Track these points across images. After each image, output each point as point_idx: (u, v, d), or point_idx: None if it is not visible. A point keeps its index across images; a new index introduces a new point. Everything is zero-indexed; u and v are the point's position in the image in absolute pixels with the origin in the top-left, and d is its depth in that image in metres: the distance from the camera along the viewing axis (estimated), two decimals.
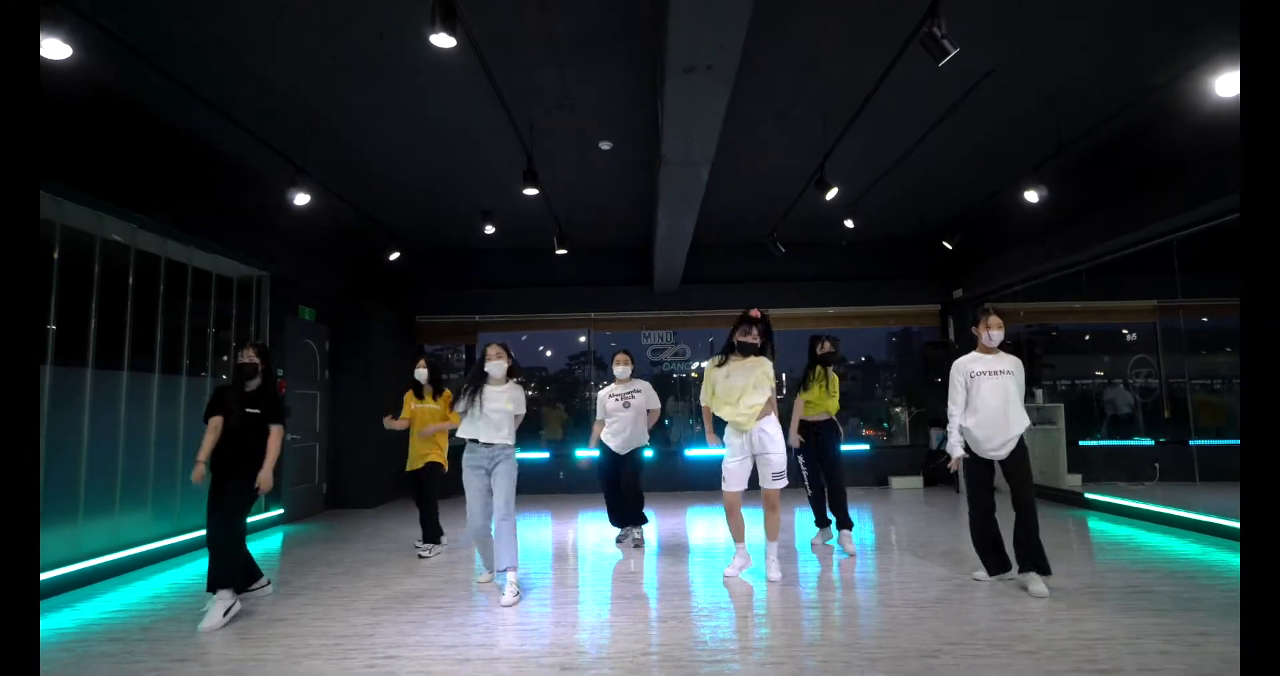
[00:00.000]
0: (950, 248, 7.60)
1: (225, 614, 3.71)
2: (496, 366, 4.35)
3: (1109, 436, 9.24)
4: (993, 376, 4.15)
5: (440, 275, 9.75)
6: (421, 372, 5.49)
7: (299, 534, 6.55)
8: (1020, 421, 4.12)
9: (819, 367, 5.41)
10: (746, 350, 4.48)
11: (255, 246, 6.55)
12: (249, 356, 4.15)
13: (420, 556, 5.29)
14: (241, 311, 6.82)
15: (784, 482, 4.42)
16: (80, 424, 4.81)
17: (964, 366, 4.28)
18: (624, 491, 5.55)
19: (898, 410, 11.02)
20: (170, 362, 5.76)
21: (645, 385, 5.60)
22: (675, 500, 8.34)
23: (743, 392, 4.41)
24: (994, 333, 4.18)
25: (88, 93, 4.66)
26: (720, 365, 4.57)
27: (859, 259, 9.65)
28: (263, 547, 5.90)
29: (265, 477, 3.96)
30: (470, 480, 4.29)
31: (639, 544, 5.60)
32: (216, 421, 4.03)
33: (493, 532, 4.22)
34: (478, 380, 4.35)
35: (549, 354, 14.01)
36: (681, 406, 10.62)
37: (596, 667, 3.00)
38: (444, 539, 5.53)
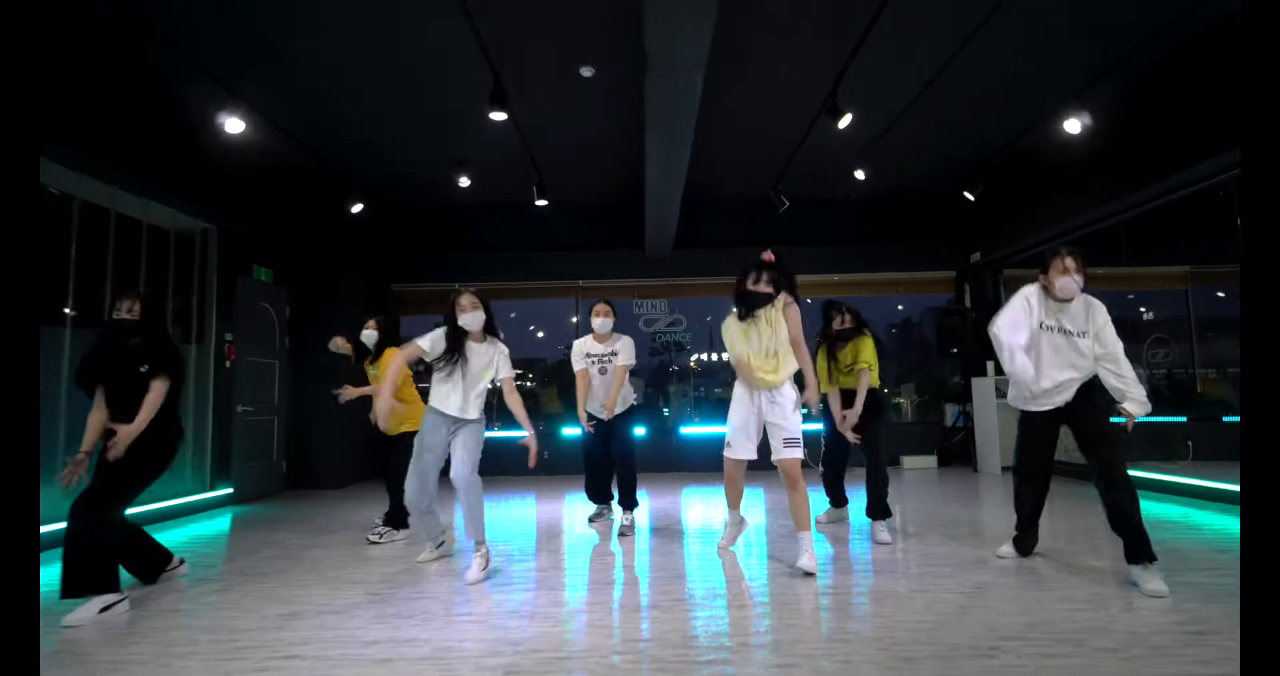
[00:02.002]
0: (971, 198, 6.87)
1: (102, 609, 3.01)
2: (473, 319, 3.63)
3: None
4: (1063, 336, 3.35)
5: (416, 238, 9.01)
6: (369, 334, 4.78)
7: (248, 515, 5.85)
8: (1136, 393, 3.25)
9: (831, 343, 4.60)
10: (758, 301, 3.64)
11: (195, 193, 5.82)
12: (129, 310, 3.30)
13: (369, 540, 4.51)
14: (181, 269, 6.09)
15: (799, 451, 3.61)
16: None
17: (1032, 301, 3.38)
18: (617, 471, 4.86)
19: (900, 399, 10.25)
20: (89, 319, 5.04)
21: (625, 342, 4.80)
22: (670, 480, 7.65)
23: (773, 352, 3.64)
24: (1066, 280, 3.27)
25: None
26: (745, 329, 3.68)
27: (868, 220, 8.91)
28: (201, 530, 5.21)
29: (121, 438, 3.13)
30: (422, 452, 3.59)
31: (627, 532, 4.77)
32: (96, 419, 3.24)
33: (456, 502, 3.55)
34: (456, 340, 3.63)
35: (540, 334, 13.29)
36: (678, 387, 9.88)
37: (552, 670, 2.31)
38: (406, 532, 4.70)
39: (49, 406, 4.71)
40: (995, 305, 8.58)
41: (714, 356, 10.12)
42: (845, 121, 4.95)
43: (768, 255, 3.71)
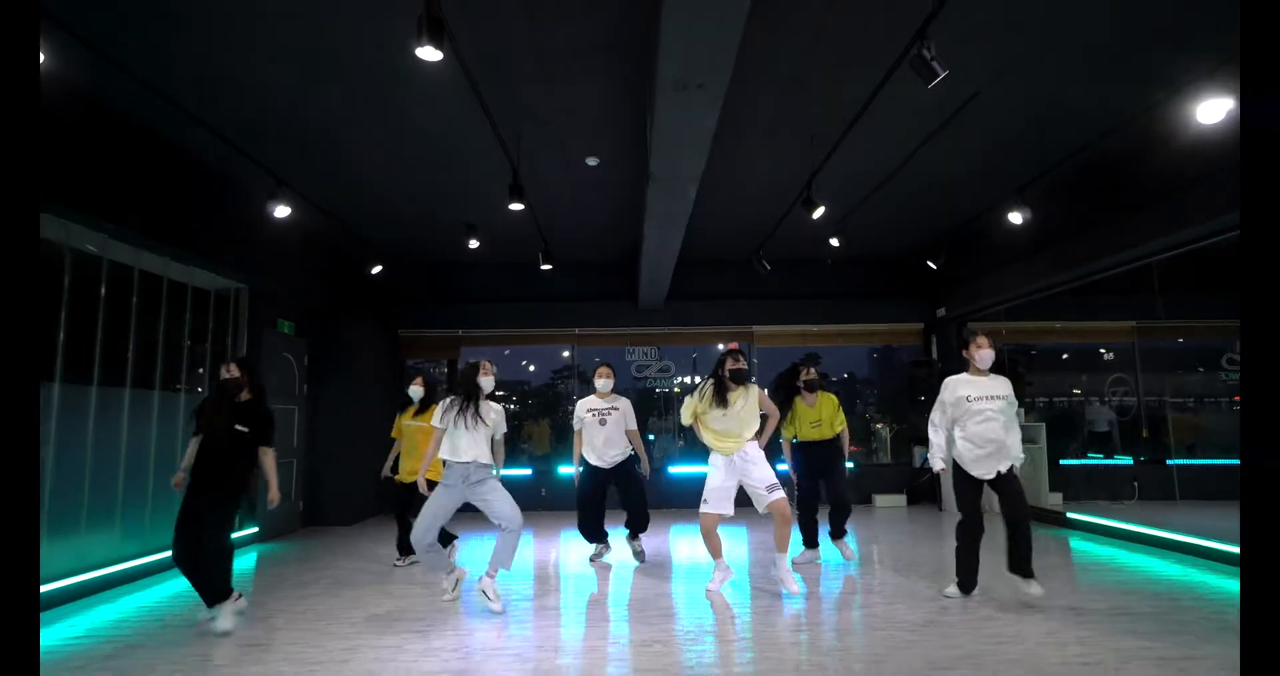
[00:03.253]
0: (935, 267, 7.65)
1: (235, 613, 3.94)
2: (490, 381, 4.40)
3: (1087, 453, 9.33)
4: (988, 401, 4.17)
5: (424, 289, 9.64)
6: (416, 390, 5.48)
7: (274, 552, 6.38)
8: (1016, 451, 4.17)
9: (799, 396, 5.53)
10: (740, 378, 4.52)
11: (233, 258, 6.44)
12: (231, 371, 4.12)
13: (395, 564, 5.38)
14: (218, 324, 6.68)
15: (781, 491, 4.40)
16: (46, 441, 4.65)
17: (954, 386, 4.28)
18: (632, 502, 5.53)
19: (879, 426, 11.04)
20: (143, 377, 5.62)
21: (625, 403, 5.54)
22: (658, 518, 8.23)
23: (737, 432, 4.49)
24: (985, 353, 4.20)
25: (57, 97, 4.52)
26: (714, 405, 4.51)
27: (844, 277, 9.69)
28: (236, 567, 5.72)
29: (275, 494, 4.18)
30: (439, 497, 4.23)
31: (641, 554, 5.64)
32: (194, 443, 4.02)
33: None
34: (473, 394, 4.33)
35: (532, 368, 13.95)
36: (664, 423, 10.56)
37: None
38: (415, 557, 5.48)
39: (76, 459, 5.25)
40: (959, 356, 9.35)
41: (697, 379, 10.89)
42: (819, 213, 5.70)
43: (733, 344, 4.67)
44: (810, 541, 5.49)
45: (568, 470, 8.96)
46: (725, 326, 9.78)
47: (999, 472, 4.14)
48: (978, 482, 4.22)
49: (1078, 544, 6.32)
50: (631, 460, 5.55)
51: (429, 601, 4.49)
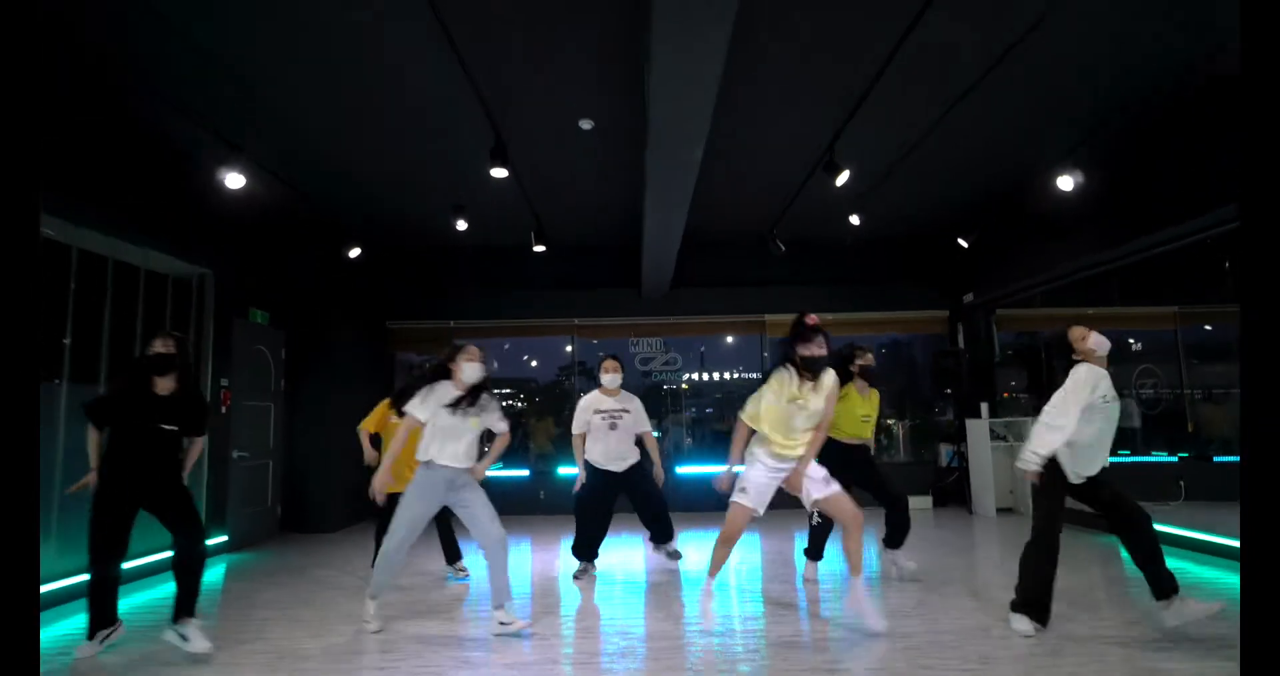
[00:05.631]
0: (966, 245, 6.97)
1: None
2: (476, 370, 3.70)
3: (1118, 450, 8.63)
4: (1115, 401, 3.49)
5: (411, 277, 9.02)
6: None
7: (244, 564, 5.79)
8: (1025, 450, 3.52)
9: (853, 383, 4.59)
10: (815, 366, 3.54)
11: (191, 240, 5.83)
12: (165, 346, 3.44)
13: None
14: (178, 313, 6.07)
15: (837, 484, 3.63)
16: None
17: (1095, 380, 3.44)
18: (653, 508, 4.96)
19: (890, 422, 10.29)
20: (84, 370, 5.02)
21: (637, 404, 4.91)
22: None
23: (805, 425, 3.60)
24: (1099, 338, 3.51)
25: None
26: (794, 396, 3.53)
27: (863, 261, 9.00)
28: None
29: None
30: (416, 505, 3.62)
31: (675, 556, 5.16)
32: (98, 437, 3.40)
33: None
34: (472, 392, 3.69)
35: (534, 364, 13.33)
36: (674, 419, 9.90)
37: None
38: None
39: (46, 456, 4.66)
40: (989, 345, 8.68)
41: (704, 376, 10.28)
42: (843, 178, 5.03)
43: (812, 318, 3.61)
44: (816, 553, 4.79)
45: (568, 471, 8.35)
46: (736, 315, 9.11)
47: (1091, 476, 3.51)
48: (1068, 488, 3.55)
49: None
50: (643, 464, 4.92)
51: (395, 630, 3.87)
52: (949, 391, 8.59)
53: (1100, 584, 4.61)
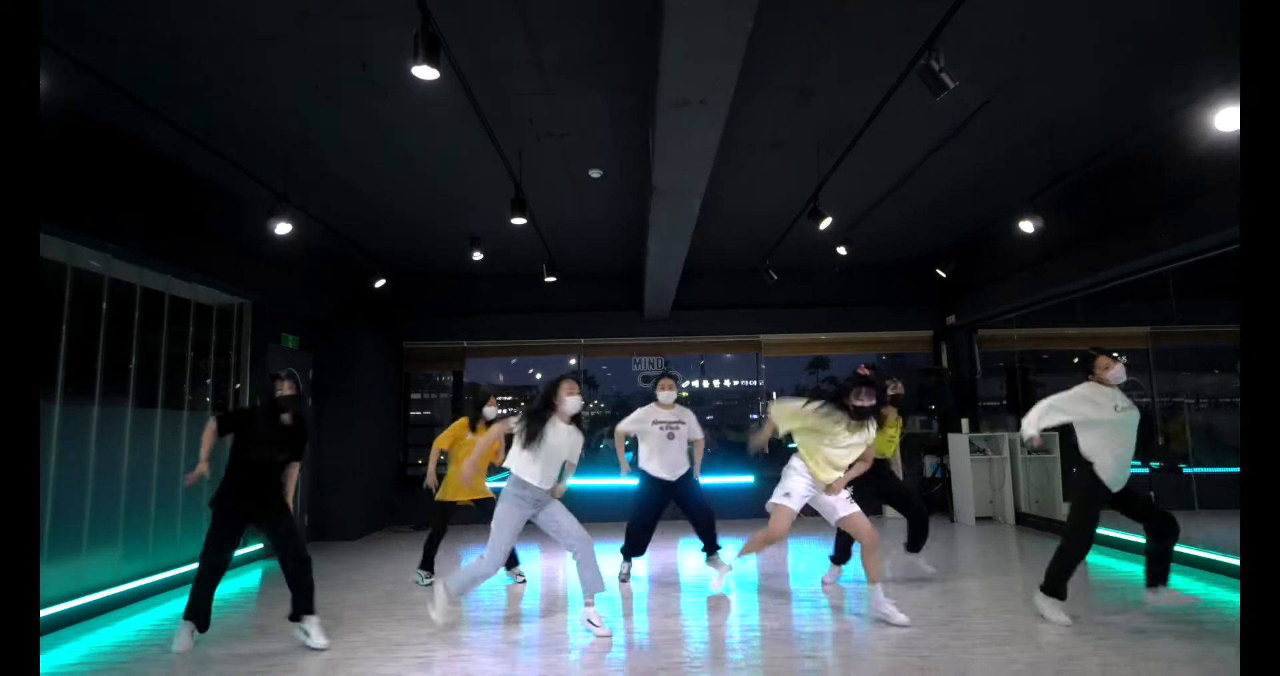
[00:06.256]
0: (944, 276, 7.54)
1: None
2: (577, 403, 4.15)
3: None
4: (1129, 412, 4.06)
5: (428, 301, 9.60)
6: (491, 411, 5.40)
7: (277, 571, 6.30)
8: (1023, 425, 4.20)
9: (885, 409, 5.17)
10: (864, 416, 4.12)
11: (235, 274, 6.41)
12: (285, 390, 4.00)
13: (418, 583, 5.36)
14: (221, 340, 6.64)
15: (858, 507, 4.22)
16: (46, 461, 4.60)
17: (1094, 395, 4.10)
18: (703, 519, 5.38)
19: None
20: (145, 395, 5.58)
21: (690, 416, 5.45)
22: (677, 530, 8.11)
23: (844, 459, 4.20)
24: (1118, 370, 4.11)
25: (56, 114, 4.48)
26: (835, 434, 4.13)
27: (851, 285, 9.58)
28: (239, 586, 5.68)
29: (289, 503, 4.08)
30: (510, 519, 4.06)
31: (720, 567, 5.31)
32: (213, 433, 3.93)
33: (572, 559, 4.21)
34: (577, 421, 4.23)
35: (538, 376, 13.89)
36: None
37: None
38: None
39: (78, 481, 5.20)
40: (970, 364, 9.24)
41: (706, 383, 10.97)
42: (826, 224, 5.60)
43: (864, 369, 4.18)
44: (841, 557, 5.30)
45: (620, 483, 8.85)
46: (732, 335, 9.69)
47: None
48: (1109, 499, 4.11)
49: (1094, 558, 6.17)
50: (690, 472, 5.43)
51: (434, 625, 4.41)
52: (932, 408, 9.14)
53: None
